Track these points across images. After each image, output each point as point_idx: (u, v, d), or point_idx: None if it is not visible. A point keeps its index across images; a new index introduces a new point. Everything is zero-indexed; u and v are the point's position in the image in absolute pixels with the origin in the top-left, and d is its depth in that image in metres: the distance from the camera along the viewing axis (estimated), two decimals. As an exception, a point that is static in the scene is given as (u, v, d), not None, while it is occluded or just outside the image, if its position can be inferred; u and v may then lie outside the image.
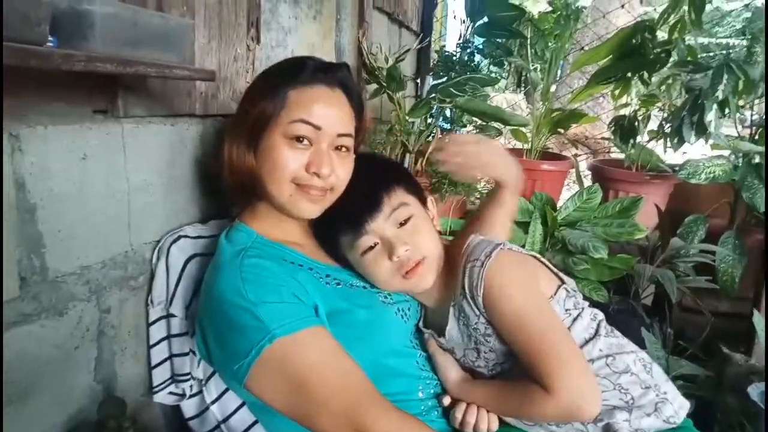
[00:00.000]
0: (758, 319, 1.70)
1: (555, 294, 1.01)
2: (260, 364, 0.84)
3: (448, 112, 2.44)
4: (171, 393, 1.09)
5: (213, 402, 1.06)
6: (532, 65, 3.10)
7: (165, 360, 1.09)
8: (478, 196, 2.15)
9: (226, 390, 1.06)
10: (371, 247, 1.00)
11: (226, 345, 0.88)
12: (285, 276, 0.92)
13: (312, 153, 0.94)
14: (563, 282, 1.04)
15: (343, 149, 0.99)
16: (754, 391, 1.40)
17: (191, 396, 1.08)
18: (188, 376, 1.06)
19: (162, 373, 1.08)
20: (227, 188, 1.01)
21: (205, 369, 1.07)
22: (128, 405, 0.96)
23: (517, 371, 0.98)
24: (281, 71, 0.98)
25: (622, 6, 4.02)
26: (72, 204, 0.90)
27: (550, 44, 2.74)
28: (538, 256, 1.06)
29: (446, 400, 1.01)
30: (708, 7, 2.47)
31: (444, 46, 3.63)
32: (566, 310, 1.01)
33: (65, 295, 0.90)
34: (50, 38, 0.65)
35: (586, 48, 2.78)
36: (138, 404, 1.09)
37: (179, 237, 1.09)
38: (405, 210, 1.01)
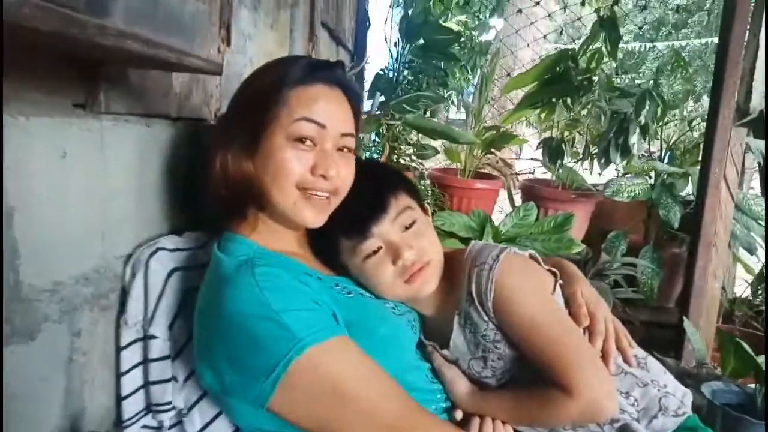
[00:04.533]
0: (688, 325, 1.85)
1: (554, 291, 1.02)
2: (289, 378, 0.76)
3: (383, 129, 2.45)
4: (145, 426, 0.96)
5: (197, 433, 0.94)
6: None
7: (138, 389, 0.96)
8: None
9: (215, 418, 0.95)
10: (375, 252, 0.96)
11: (244, 365, 0.79)
12: (299, 283, 0.86)
13: (316, 154, 0.89)
14: (557, 277, 1.05)
15: (346, 150, 0.94)
16: (707, 389, 1.50)
17: (170, 428, 0.96)
18: (169, 406, 0.94)
19: (134, 404, 0.95)
20: (216, 199, 0.92)
21: (187, 397, 0.96)
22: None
23: (526, 378, 0.97)
24: (276, 71, 0.92)
25: (528, 45, 4.40)
26: (49, 209, 0.77)
27: (480, 69, 2.86)
28: (535, 254, 1.07)
29: (458, 414, 0.98)
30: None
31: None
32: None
33: (38, 316, 0.77)
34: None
35: (514, 75, 2.94)
36: (105, 442, 0.95)
37: (157, 249, 0.97)
38: (410, 214, 0.99)
